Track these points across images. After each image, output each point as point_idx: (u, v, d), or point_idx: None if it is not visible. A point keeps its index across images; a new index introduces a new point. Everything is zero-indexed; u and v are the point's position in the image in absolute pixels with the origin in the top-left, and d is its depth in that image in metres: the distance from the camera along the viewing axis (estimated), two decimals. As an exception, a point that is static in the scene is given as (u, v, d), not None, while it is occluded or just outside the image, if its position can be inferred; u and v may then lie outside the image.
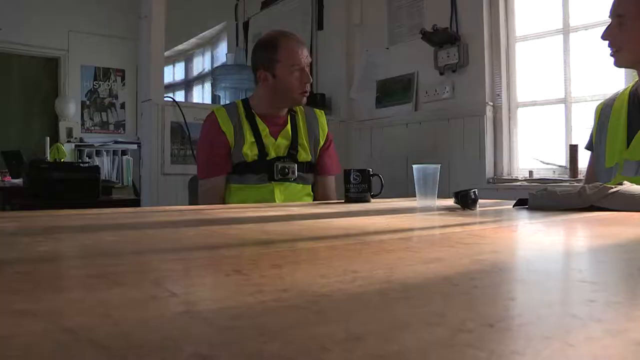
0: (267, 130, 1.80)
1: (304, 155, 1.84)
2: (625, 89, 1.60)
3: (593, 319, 0.29)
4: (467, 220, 0.96)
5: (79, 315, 0.29)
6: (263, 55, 1.80)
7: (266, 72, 1.78)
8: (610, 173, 1.52)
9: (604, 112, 1.62)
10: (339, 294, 0.34)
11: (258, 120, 1.80)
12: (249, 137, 1.77)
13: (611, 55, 1.51)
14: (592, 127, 1.70)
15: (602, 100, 1.69)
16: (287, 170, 1.77)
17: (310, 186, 1.89)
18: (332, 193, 1.93)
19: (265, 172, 1.77)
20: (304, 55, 1.80)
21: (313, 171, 1.89)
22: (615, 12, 1.48)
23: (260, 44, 1.84)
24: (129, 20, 5.90)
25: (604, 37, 1.51)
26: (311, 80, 1.83)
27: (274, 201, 1.75)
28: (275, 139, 1.80)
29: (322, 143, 1.91)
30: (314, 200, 1.88)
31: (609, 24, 1.50)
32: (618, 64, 1.51)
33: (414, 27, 2.84)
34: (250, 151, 1.76)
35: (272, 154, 1.78)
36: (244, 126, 1.79)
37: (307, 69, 1.81)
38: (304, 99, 1.83)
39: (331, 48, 3.33)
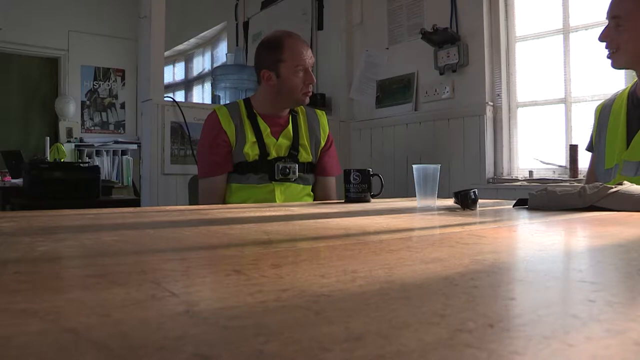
0: (269, 130, 1.79)
1: (305, 155, 1.84)
2: (625, 90, 1.60)
3: (593, 319, 0.29)
4: (467, 220, 0.96)
5: (79, 315, 0.29)
6: (267, 55, 1.79)
7: (270, 72, 1.78)
8: (610, 174, 1.52)
9: (603, 113, 1.62)
10: (339, 294, 0.34)
11: (259, 120, 1.80)
12: (250, 137, 1.77)
13: (608, 57, 1.51)
14: (592, 128, 1.70)
15: (602, 101, 1.69)
16: (288, 170, 1.77)
17: (311, 187, 1.89)
18: (333, 194, 1.93)
19: (266, 172, 1.77)
20: (309, 55, 1.80)
21: (313, 172, 1.89)
22: (611, 14, 1.48)
23: (265, 44, 1.83)
24: (129, 20, 5.91)
25: (601, 38, 1.51)
26: (314, 80, 1.82)
27: (275, 201, 1.75)
28: (277, 139, 1.80)
29: (323, 144, 1.90)
30: (314, 200, 1.88)
31: (606, 25, 1.51)
32: (616, 65, 1.51)
33: (414, 27, 2.84)
34: (251, 151, 1.76)
35: (273, 154, 1.78)
36: (245, 126, 1.78)
37: (311, 70, 1.81)
38: (307, 99, 1.83)
39: (331, 48, 3.33)
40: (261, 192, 1.76)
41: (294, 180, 1.79)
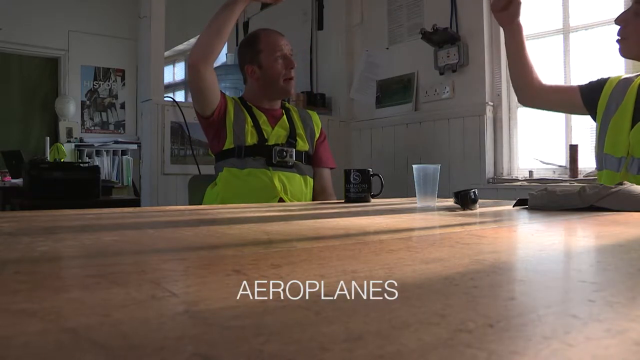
0: (264, 117, 1.86)
1: (302, 144, 1.89)
2: (638, 78, 1.54)
3: (593, 319, 0.29)
4: (467, 220, 0.96)
5: (79, 315, 0.29)
6: (247, 51, 1.90)
7: (252, 65, 1.87)
8: (617, 163, 1.48)
9: (619, 86, 1.55)
10: (339, 294, 0.34)
11: (255, 110, 1.86)
12: (249, 122, 1.82)
13: (617, 42, 1.49)
14: (594, 81, 1.64)
15: (621, 75, 1.62)
16: (285, 153, 1.80)
17: (311, 181, 1.92)
18: (329, 184, 1.98)
19: (264, 156, 1.80)
20: (285, 43, 1.90)
21: (311, 163, 1.92)
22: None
23: (243, 43, 1.96)
24: (129, 20, 5.91)
25: (617, 21, 1.49)
26: (295, 65, 1.89)
27: (273, 190, 1.75)
28: (273, 128, 1.85)
29: (317, 135, 1.97)
30: (312, 191, 1.91)
31: (627, 8, 1.49)
32: (623, 53, 1.49)
33: (414, 27, 2.84)
34: (250, 135, 1.80)
35: (272, 141, 1.82)
36: (244, 113, 1.84)
37: (290, 56, 1.89)
38: (291, 87, 1.89)
39: (331, 48, 3.33)
40: (260, 180, 1.77)
41: (291, 165, 1.81)
